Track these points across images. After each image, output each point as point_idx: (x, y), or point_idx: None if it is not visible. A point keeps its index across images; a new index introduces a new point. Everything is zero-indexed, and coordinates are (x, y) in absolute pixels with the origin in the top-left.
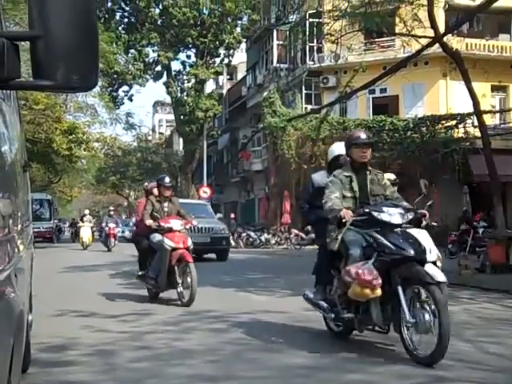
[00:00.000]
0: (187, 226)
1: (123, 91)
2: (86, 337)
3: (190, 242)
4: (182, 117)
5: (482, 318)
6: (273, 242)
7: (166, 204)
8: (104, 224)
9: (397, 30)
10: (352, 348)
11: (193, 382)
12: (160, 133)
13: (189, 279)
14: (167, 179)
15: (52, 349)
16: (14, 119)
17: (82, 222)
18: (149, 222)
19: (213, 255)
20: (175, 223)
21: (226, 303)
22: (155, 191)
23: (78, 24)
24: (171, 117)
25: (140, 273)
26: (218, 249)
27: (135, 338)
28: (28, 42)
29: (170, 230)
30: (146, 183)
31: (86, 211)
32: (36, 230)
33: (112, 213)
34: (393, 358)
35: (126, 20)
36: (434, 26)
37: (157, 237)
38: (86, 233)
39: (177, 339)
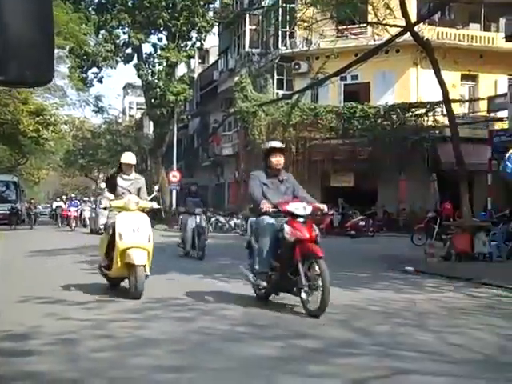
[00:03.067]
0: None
1: (93, 73)
2: (49, 325)
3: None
4: (152, 100)
5: (445, 307)
6: (243, 227)
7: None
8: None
9: (369, 19)
10: (318, 338)
11: (156, 372)
12: (130, 115)
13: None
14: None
15: (13, 337)
16: None
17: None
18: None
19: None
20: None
21: (191, 290)
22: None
23: (33, 17)
24: (142, 99)
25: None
26: None
27: (98, 326)
28: None
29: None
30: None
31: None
32: (1, 211)
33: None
34: (359, 348)
35: (96, 0)
36: (405, 15)
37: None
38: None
39: (140, 328)
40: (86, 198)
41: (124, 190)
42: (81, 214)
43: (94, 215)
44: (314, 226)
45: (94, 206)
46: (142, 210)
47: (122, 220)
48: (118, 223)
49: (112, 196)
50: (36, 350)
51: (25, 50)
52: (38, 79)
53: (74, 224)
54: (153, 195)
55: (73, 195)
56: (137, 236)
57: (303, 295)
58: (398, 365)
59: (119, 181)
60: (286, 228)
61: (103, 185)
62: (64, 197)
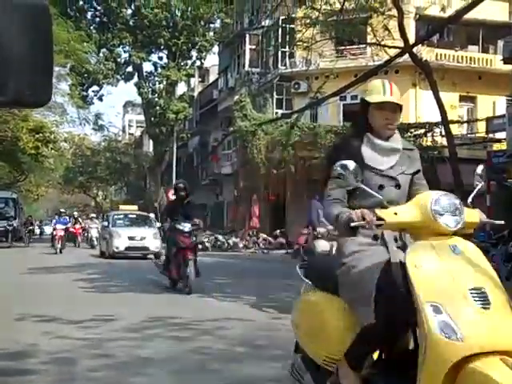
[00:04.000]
0: None
1: (93, 91)
2: (46, 344)
3: None
4: (152, 118)
5: None
6: (241, 245)
7: None
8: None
9: (368, 39)
10: None
11: None
12: (130, 133)
13: None
14: None
15: (9, 356)
16: None
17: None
18: None
19: None
20: None
21: (190, 310)
22: None
23: (32, 37)
24: (142, 117)
25: None
26: None
27: (95, 345)
28: None
29: None
30: None
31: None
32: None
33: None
34: None
35: (97, 19)
36: (403, 36)
37: None
38: None
39: (138, 347)
40: (92, 215)
41: (381, 179)
42: (87, 232)
43: (107, 236)
44: None
45: (105, 223)
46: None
47: (428, 268)
48: (421, 276)
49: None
50: (32, 369)
51: (23, 71)
52: (37, 100)
53: (59, 245)
54: (477, 189)
55: (62, 210)
56: (488, 315)
57: None
58: None
59: (367, 154)
60: None
61: (350, 165)
62: (75, 213)
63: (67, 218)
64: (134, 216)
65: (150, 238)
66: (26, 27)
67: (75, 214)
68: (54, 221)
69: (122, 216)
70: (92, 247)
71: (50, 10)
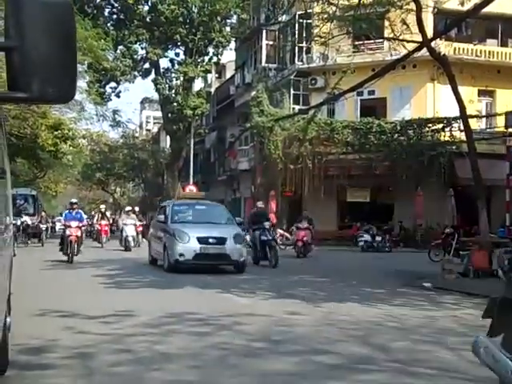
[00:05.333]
0: None
1: (111, 87)
2: (66, 338)
3: None
4: (169, 114)
5: (465, 324)
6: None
7: None
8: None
9: (385, 34)
10: (335, 354)
11: None
12: (147, 129)
13: None
14: None
15: (31, 351)
16: None
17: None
18: None
19: None
20: None
21: (208, 305)
22: None
23: (56, 35)
24: (159, 114)
25: None
26: None
27: (116, 340)
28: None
29: None
30: None
31: None
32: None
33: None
34: (376, 364)
35: (114, 16)
36: (421, 31)
37: None
38: None
39: (158, 342)
40: (128, 208)
41: None
42: (121, 230)
43: (163, 236)
44: None
45: (162, 217)
46: None
47: None
48: None
49: None
50: (52, 364)
51: (48, 67)
52: (61, 97)
53: (74, 251)
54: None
55: (74, 200)
56: None
57: None
58: (416, 382)
59: None
60: None
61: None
62: (102, 207)
63: (81, 212)
64: (204, 207)
65: (230, 240)
66: (51, 25)
67: (102, 207)
68: (63, 215)
69: (185, 207)
70: (127, 249)
71: (73, 9)
